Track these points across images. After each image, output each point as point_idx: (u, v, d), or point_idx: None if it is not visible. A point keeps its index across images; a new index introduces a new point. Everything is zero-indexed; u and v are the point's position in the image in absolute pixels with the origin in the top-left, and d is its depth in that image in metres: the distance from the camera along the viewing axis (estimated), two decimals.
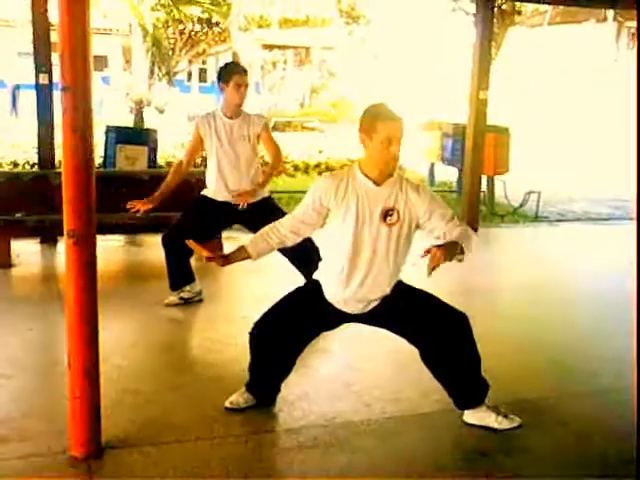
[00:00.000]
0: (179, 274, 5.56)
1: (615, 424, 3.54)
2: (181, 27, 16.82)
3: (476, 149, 8.40)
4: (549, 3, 12.83)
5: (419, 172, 13.13)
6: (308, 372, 4.31)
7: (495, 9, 12.31)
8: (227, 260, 3.62)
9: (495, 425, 3.67)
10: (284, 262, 6.96)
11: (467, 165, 8.78)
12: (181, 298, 5.56)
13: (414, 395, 4.08)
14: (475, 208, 8.79)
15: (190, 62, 19.73)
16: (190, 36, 17.68)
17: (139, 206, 5.31)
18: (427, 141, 12.18)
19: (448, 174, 12.19)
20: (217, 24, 16.51)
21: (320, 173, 12.79)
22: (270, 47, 27.85)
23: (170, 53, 17.35)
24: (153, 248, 7.41)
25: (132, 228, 7.00)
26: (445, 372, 3.66)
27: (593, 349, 4.97)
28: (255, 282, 6.22)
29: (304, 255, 4.86)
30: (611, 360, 4.71)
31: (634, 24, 30.30)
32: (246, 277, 6.42)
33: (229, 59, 25.16)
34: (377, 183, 3.44)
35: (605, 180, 13.43)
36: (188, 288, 5.60)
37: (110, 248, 7.20)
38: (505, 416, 3.69)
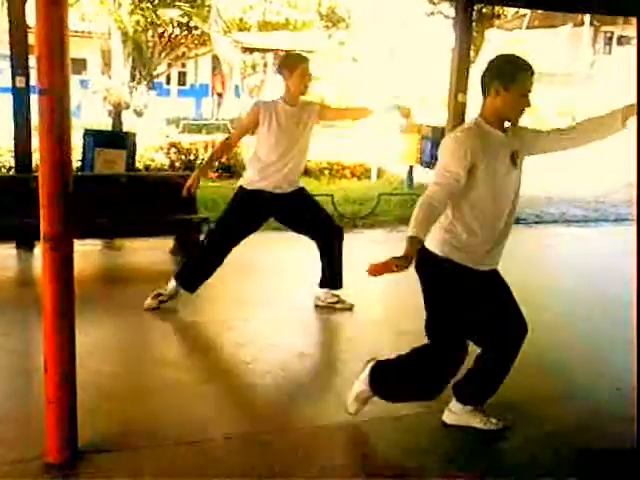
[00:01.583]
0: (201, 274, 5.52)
1: (589, 426, 3.56)
2: (160, 30, 16.75)
3: None
4: (528, 7, 12.89)
5: (398, 175, 13.18)
6: (285, 375, 4.31)
7: (474, 12, 12.39)
8: (410, 260, 3.14)
9: (480, 426, 3.69)
10: (259, 264, 6.97)
11: None
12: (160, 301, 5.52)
13: None
14: None
15: (169, 65, 19.66)
16: (170, 39, 17.61)
17: (191, 182, 5.35)
18: (406, 144, 12.22)
19: (427, 177, 12.22)
20: (196, 27, 16.45)
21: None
22: (250, 50, 27.81)
23: (150, 56, 17.29)
24: (131, 252, 7.38)
25: (110, 232, 6.97)
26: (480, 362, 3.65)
27: (570, 352, 5.00)
28: (233, 285, 6.21)
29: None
30: (589, 359, 4.74)
31: (610, 28, 30.62)
32: (223, 280, 6.40)
33: (208, 62, 25.15)
34: (502, 131, 3.34)
35: (582, 182, 13.54)
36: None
37: (88, 252, 7.15)
38: (489, 418, 3.71)
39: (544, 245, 9.01)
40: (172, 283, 5.48)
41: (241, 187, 5.40)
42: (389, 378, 3.63)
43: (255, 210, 5.38)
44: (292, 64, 5.26)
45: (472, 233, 3.31)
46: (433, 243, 3.35)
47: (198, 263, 5.54)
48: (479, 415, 3.70)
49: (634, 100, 3.27)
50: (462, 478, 3.31)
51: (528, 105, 3.26)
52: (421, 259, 3.32)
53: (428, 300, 3.46)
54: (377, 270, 3.06)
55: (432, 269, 3.39)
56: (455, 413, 3.72)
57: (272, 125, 5.22)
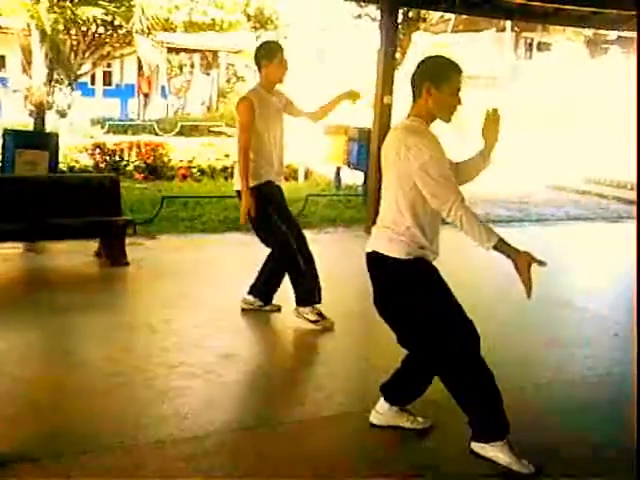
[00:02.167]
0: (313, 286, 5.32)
1: (512, 422, 3.63)
2: (84, 29, 16.37)
3: (381, 153, 8.49)
4: (452, 12, 13.14)
5: (326, 176, 13.25)
6: (213, 379, 4.28)
7: (400, 16, 12.55)
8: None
9: (407, 425, 3.72)
10: (187, 269, 6.91)
11: (372, 169, 8.90)
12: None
13: (319, 398, 4.11)
14: None
15: (94, 65, 19.23)
16: (93, 38, 17.23)
17: (248, 206, 5.14)
18: (333, 145, 12.29)
19: (354, 178, 12.33)
20: (121, 27, 16.14)
21: (227, 178, 12.72)
22: (176, 50, 27.51)
23: (72, 55, 16.89)
24: (54, 255, 7.22)
25: (32, 235, 6.79)
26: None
27: (501, 348, 5.10)
28: (161, 289, 6.14)
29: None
30: (510, 357, 4.85)
31: (530, 35, 31.45)
32: (151, 284, 6.33)
33: (134, 62, 24.75)
34: None
35: (506, 183, 13.84)
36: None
37: (8, 255, 6.96)
38: (416, 417, 3.75)
39: (467, 245, 9.17)
40: (305, 312, 5.31)
41: (250, 189, 5.18)
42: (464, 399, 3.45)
43: (281, 195, 5.33)
44: (271, 52, 5.21)
45: (425, 229, 3.35)
46: (398, 251, 3.33)
47: (297, 273, 5.29)
48: (405, 415, 3.74)
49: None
50: (389, 477, 3.33)
51: (459, 103, 3.33)
52: (394, 275, 3.37)
53: (414, 305, 3.39)
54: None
55: (407, 273, 3.36)
56: (382, 414, 3.75)
57: (263, 114, 5.17)
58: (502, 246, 3.23)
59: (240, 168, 5.17)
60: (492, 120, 3.49)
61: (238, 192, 5.25)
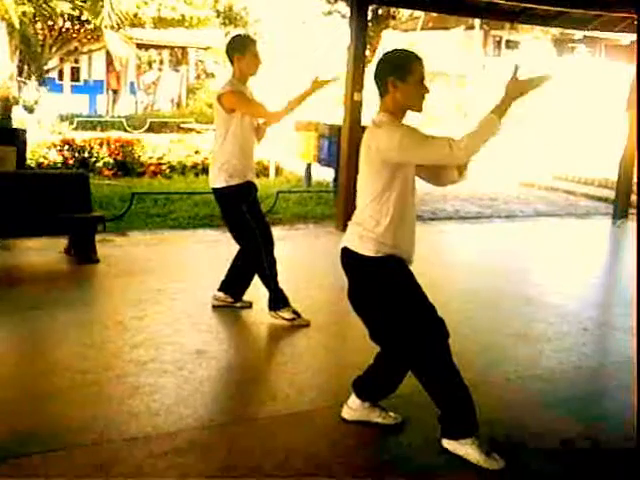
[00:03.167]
0: (279, 291, 5.31)
1: (483, 415, 3.66)
2: (51, 23, 16.18)
3: (351, 150, 8.54)
4: (421, 9, 13.21)
5: (296, 173, 13.25)
6: (184, 375, 4.26)
7: (370, 13, 12.59)
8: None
9: (379, 421, 3.74)
10: (157, 266, 6.89)
11: (343, 165, 8.92)
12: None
13: (291, 394, 4.11)
14: (351, 208, 8.91)
15: (62, 60, 19.04)
16: (61, 33, 17.04)
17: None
18: (303, 142, 12.29)
19: (324, 174, 12.34)
20: (89, 21, 15.96)
21: (197, 174, 12.68)
22: (146, 47, 27.32)
23: (39, 50, 16.70)
24: (23, 252, 7.13)
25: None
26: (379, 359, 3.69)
27: (471, 344, 5.15)
28: (131, 286, 6.10)
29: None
30: (480, 352, 4.90)
31: (498, 33, 31.69)
32: (121, 281, 6.28)
33: (102, 58, 24.55)
34: None
35: (475, 180, 13.94)
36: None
37: None
38: (388, 412, 3.77)
39: (436, 241, 9.23)
40: (284, 314, 5.29)
41: (229, 187, 5.14)
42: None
43: (255, 198, 5.28)
44: (243, 45, 5.17)
45: (395, 228, 3.35)
46: (368, 249, 3.35)
47: (267, 274, 5.27)
48: (377, 410, 3.76)
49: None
50: (362, 471, 3.35)
51: (427, 91, 3.34)
52: (364, 272, 3.40)
53: (384, 302, 3.42)
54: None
55: (377, 270, 3.37)
56: (354, 409, 3.76)
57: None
58: (501, 113, 3.21)
59: (285, 110, 5.09)
60: (534, 80, 3.28)
61: (214, 189, 5.24)
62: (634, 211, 10.73)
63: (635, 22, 10.59)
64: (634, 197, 10.94)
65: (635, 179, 10.80)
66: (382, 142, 3.25)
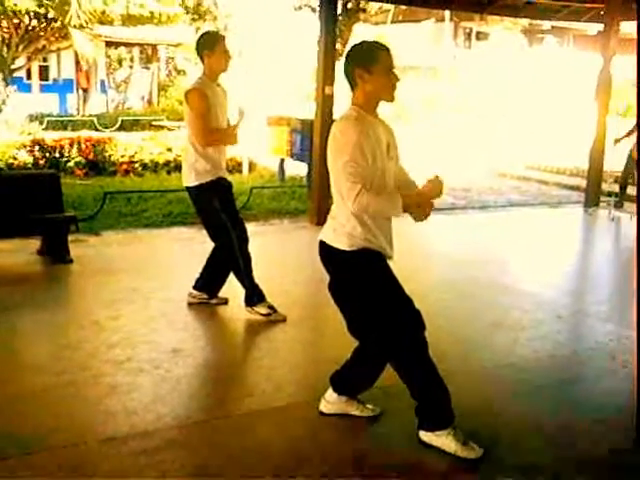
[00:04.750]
0: (255, 287, 5.29)
1: (459, 406, 3.69)
2: (16, 21, 15.95)
3: (324, 144, 8.50)
4: (389, 2, 13.22)
5: (270, 168, 13.22)
6: (161, 374, 4.25)
7: (340, 6, 12.57)
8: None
9: (357, 413, 3.75)
10: (131, 265, 6.85)
11: (315, 160, 8.92)
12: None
13: (268, 389, 4.11)
14: (325, 202, 8.93)
15: (30, 59, 18.79)
16: (27, 31, 16.80)
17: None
18: (276, 137, 12.26)
19: (298, 169, 12.33)
20: (55, 20, 15.76)
21: (169, 172, 12.60)
22: (115, 44, 27.07)
23: (5, 49, 16.48)
24: None
25: None
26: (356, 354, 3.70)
27: (447, 334, 5.17)
28: (106, 285, 6.06)
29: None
30: (457, 342, 4.93)
31: (469, 24, 31.86)
32: (96, 281, 6.24)
33: (72, 56, 24.27)
34: (375, 117, 3.39)
35: (449, 171, 14.00)
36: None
37: None
38: (365, 404, 3.79)
39: (412, 233, 9.25)
40: (259, 310, 5.28)
41: (201, 185, 5.13)
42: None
43: (231, 193, 5.26)
44: (212, 42, 5.13)
45: (366, 221, 3.34)
46: (342, 242, 3.35)
47: (242, 271, 5.26)
48: (355, 403, 3.77)
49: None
50: (340, 464, 3.36)
51: (397, 79, 3.33)
52: (339, 265, 3.42)
53: (360, 295, 3.43)
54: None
55: (351, 263, 3.38)
56: (332, 402, 3.77)
57: (215, 106, 5.10)
58: (410, 204, 3.37)
59: (217, 138, 5.13)
60: (435, 183, 3.43)
61: (187, 188, 5.22)
62: (605, 199, 10.84)
63: (601, 12, 10.71)
64: (604, 185, 11.06)
65: (608, 167, 10.91)
66: (335, 141, 3.29)
